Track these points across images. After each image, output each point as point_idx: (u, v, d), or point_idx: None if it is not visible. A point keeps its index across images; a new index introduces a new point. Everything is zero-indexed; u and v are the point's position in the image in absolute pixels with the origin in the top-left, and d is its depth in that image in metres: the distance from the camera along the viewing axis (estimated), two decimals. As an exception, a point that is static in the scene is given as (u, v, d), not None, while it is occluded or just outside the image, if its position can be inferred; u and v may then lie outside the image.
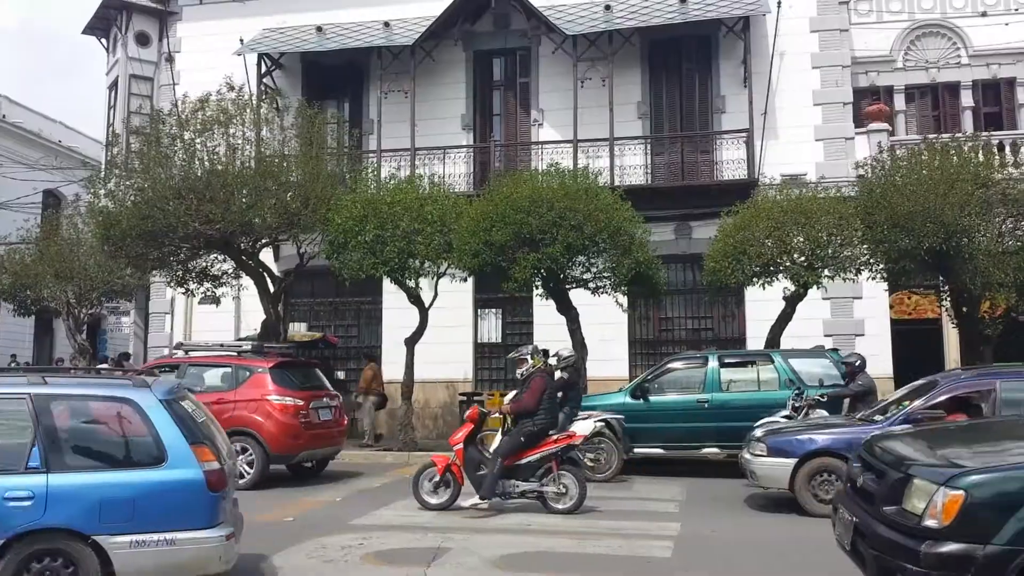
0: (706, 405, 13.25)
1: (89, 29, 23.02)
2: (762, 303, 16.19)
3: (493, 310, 19.40)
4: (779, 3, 18.16)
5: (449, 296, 16.67)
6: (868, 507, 5.29)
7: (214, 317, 19.42)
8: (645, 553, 8.03)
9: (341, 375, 19.59)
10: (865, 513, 5.30)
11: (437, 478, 10.04)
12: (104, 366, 19.06)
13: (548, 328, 17.21)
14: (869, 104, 19.52)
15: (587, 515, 9.83)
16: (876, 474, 5.40)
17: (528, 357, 10.31)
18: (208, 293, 17.34)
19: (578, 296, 15.39)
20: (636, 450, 13.41)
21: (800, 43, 18.56)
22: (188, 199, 14.88)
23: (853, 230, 14.34)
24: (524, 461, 9.85)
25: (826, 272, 14.54)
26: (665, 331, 18.92)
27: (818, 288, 15.08)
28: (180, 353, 14.19)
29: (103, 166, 20.13)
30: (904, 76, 20.97)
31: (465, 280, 16.38)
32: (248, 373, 12.50)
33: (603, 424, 12.38)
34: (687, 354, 15.34)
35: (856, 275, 15.07)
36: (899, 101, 21.05)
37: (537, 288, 15.33)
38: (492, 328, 19.47)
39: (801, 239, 14.33)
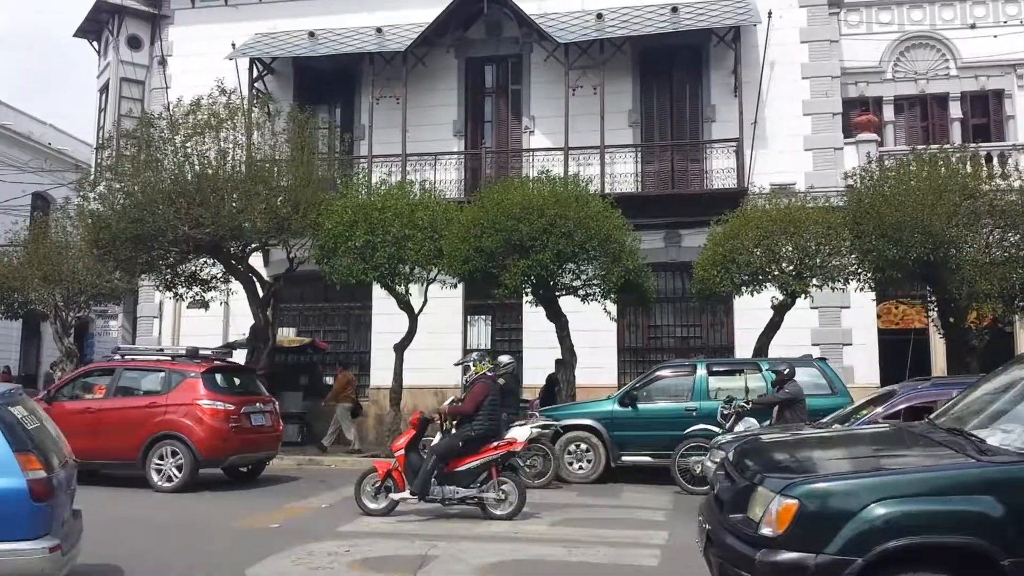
0: (694, 413, 13.28)
1: (81, 32, 22.96)
2: (750, 312, 16.26)
3: (483, 316, 19.42)
4: (770, 14, 18.27)
5: (439, 302, 16.68)
6: (719, 514, 5.33)
7: (202, 321, 19.36)
8: (632, 561, 8.04)
9: (329, 380, 19.55)
10: (716, 520, 5.33)
11: (378, 483, 10.13)
12: None
13: (537, 335, 17.26)
14: (858, 114, 19.66)
15: (575, 523, 9.85)
16: (731, 482, 5.44)
17: (471, 364, 10.45)
18: (197, 297, 17.29)
19: (568, 303, 15.42)
20: (624, 458, 13.45)
21: (790, 53, 18.66)
22: (178, 203, 14.88)
23: (841, 240, 14.42)
24: (464, 467, 9.91)
25: (814, 281, 14.61)
26: (654, 339, 18.97)
27: (806, 297, 15.16)
28: (117, 357, 14.15)
29: (93, 169, 20.08)
30: (893, 87, 21.13)
31: (455, 286, 16.40)
32: (180, 377, 12.56)
33: (540, 431, 12.45)
34: (675, 362, 15.36)
35: (844, 284, 15.14)
36: (888, 112, 21.20)
37: (527, 295, 15.36)
38: (482, 334, 19.47)
39: (790, 248, 14.40)
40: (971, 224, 14.03)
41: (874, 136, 18.77)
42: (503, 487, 9.88)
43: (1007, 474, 4.57)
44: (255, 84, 19.95)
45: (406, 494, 9.88)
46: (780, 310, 15.14)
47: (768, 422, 11.84)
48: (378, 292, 17.51)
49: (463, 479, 9.89)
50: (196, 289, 17.04)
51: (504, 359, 12.98)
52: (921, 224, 13.55)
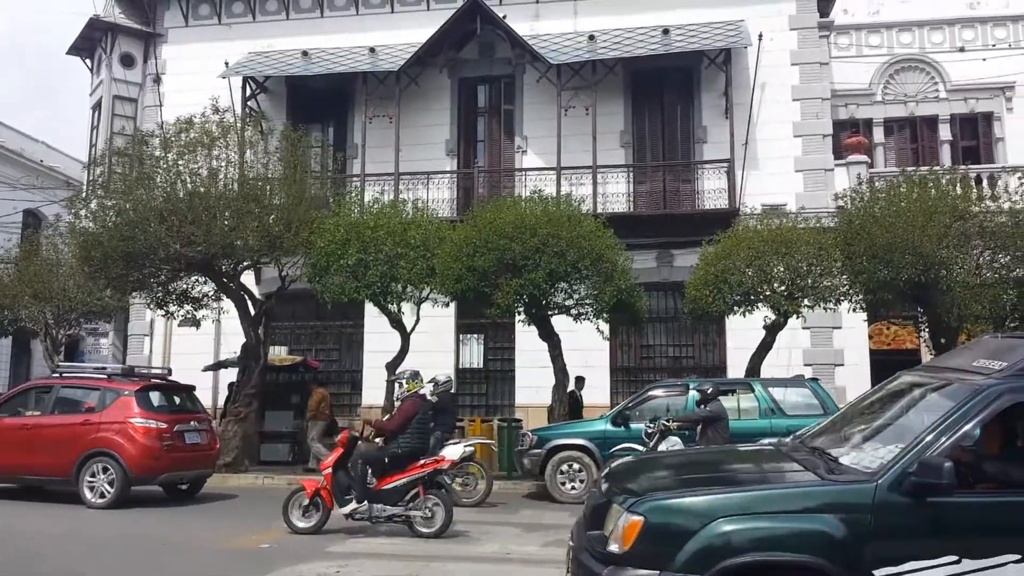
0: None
1: (74, 50, 22.98)
2: (743, 332, 16.29)
3: (475, 335, 19.38)
4: (760, 36, 18.41)
5: (431, 321, 16.67)
6: (582, 531, 5.36)
7: (194, 340, 19.27)
8: (624, 582, 7.98)
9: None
10: (578, 537, 5.36)
11: (306, 502, 10.15)
12: None
13: (530, 354, 17.24)
14: (848, 136, 19.78)
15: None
16: (594, 499, 5.46)
17: (404, 381, 10.50)
18: (188, 315, 17.22)
19: (560, 323, 15.42)
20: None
21: (781, 76, 18.79)
22: (170, 220, 14.84)
23: (832, 260, 14.47)
24: (391, 486, 9.94)
25: (806, 302, 14.64)
26: (646, 358, 18.96)
27: (798, 317, 15.19)
28: (56, 375, 14.31)
29: (85, 187, 20.04)
30: (883, 109, 21.30)
31: (447, 305, 16.38)
32: (115, 395, 12.73)
33: (472, 450, 12.58)
34: (668, 382, 15.37)
35: (836, 305, 15.18)
36: (878, 134, 21.36)
37: (519, 314, 15.35)
38: (474, 353, 19.44)
39: (781, 269, 14.44)
40: (961, 245, 14.10)
41: (864, 158, 18.89)
42: (430, 505, 9.92)
43: (847, 494, 4.59)
44: (248, 103, 19.98)
45: (354, 504, 9.86)
46: (772, 330, 15.17)
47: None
48: (370, 311, 17.48)
49: (390, 497, 9.92)
50: (187, 307, 16.96)
51: (441, 377, 13.23)
52: (912, 245, 13.61)
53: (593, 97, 18.53)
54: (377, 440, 10.59)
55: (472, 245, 14.33)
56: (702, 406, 11.93)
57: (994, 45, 20.79)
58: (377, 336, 18.15)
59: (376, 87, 19.58)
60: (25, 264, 19.83)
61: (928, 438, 4.62)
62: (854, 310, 15.69)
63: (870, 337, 18.31)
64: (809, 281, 14.48)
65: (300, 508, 10.17)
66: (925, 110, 21.21)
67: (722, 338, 18.20)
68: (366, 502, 9.84)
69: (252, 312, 16.57)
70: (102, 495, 12.16)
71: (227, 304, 17.01)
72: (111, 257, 15.08)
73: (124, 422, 12.40)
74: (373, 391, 17.81)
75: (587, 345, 16.47)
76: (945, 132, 21.06)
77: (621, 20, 19.44)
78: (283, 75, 20.14)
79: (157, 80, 21.49)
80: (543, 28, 19.70)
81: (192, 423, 13.26)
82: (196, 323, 17.77)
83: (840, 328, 17.68)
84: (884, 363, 18.16)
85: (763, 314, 15.09)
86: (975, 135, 21.30)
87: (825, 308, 15.05)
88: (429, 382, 12.71)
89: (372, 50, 19.91)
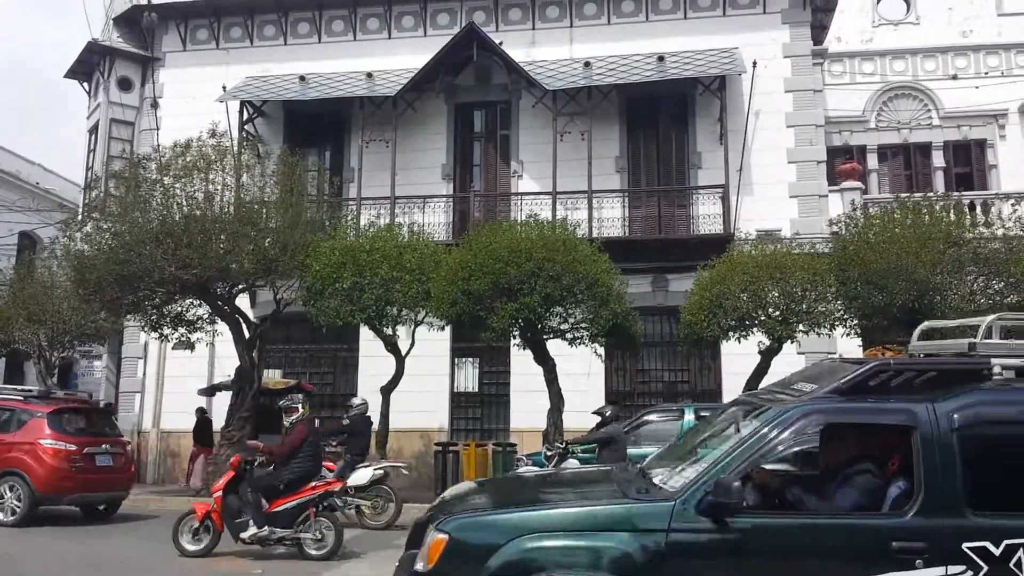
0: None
1: (71, 73, 23.07)
2: (737, 357, 16.26)
3: (470, 359, 19.35)
4: (754, 63, 18.56)
5: (426, 344, 16.63)
6: (406, 551, 5.38)
7: (187, 363, 19.20)
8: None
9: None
10: (400, 558, 5.39)
11: (197, 525, 10.15)
12: None
13: (525, 378, 17.20)
14: (842, 163, 19.90)
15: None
16: (419, 518, 5.50)
17: (299, 406, 10.62)
18: (182, 338, 17.18)
19: (555, 347, 15.40)
20: (611, 503, 13.31)
21: (775, 102, 18.91)
22: (166, 243, 14.85)
23: (827, 286, 14.50)
24: (281, 508, 9.97)
25: (800, 327, 14.64)
26: (641, 383, 18.94)
27: (792, 343, 15.20)
28: None
29: (80, 209, 20.06)
30: (877, 136, 21.45)
31: (442, 329, 16.35)
32: (28, 417, 13.18)
33: (382, 473, 12.70)
34: (663, 406, 15.35)
35: (830, 330, 15.19)
36: (872, 160, 21.49)
37: (515, 338, 15.33)
38: (469, 377, 19.40)
39: (776, 294, 14.45)
40: (955, 272, 14.14)
41: (858, 184, 18.98)
42: (321, 528, 9.95)
43: (645, 512, 4.59)
44: (245, 126, 20.05)
45: (254, 530, 9.83)
46: (767, 355, 15.17)
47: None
48: (365, 334, 17.45)
49: (280, 520, 9.94)
50: (182, 330, 16.93)
51: (355, 400, 13.46)
52: (906, 271, 13.65)
53: (589, 123, 18.64)
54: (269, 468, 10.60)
55: (468, 269, 14.34)
56: (593, 429, 12.09)
57: (987, 73, 21.00)
58: (372, 359, 18.12)
59: (373, 112, 19.67)
60: (20, 286, 19.79)
61: (727, 459, 4.63)
62: (848, 335, 15.70)
63: (865, 363, 18.29)
64: (804, 306, 14.49)
65: (190, 531, 10.16)
66: (918, 137, 21.37)
67: (717, 363, 18.19)
68: (266, 527, 9.84)
69: (247, 335, 16.54)
70: (11, 512, 12.51)
71: (222, 327, 17.00)
72: (106, 280, 15.09)
73: (34, 443, 12.84)
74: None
75: (582, 369, 16.47)
76: (938, 159, 21.21)
77: (616, 47, 19.60)
78: (280, 99, 20.24)
79: (154, 104, 21.57)
80: (539, 55, 19.84)
81: (104, 446, 13.62)
82: (190, 346, 17.72)
83: (835, 353, 17.65)
84: (879, 389, 18.18)
85: (758, 339, 15.09)
86: (968, 162, 21.46)
87: (820, 333, 15.05)
88: (346, 405, 12.89)
89: (369, 75, 20.03)
